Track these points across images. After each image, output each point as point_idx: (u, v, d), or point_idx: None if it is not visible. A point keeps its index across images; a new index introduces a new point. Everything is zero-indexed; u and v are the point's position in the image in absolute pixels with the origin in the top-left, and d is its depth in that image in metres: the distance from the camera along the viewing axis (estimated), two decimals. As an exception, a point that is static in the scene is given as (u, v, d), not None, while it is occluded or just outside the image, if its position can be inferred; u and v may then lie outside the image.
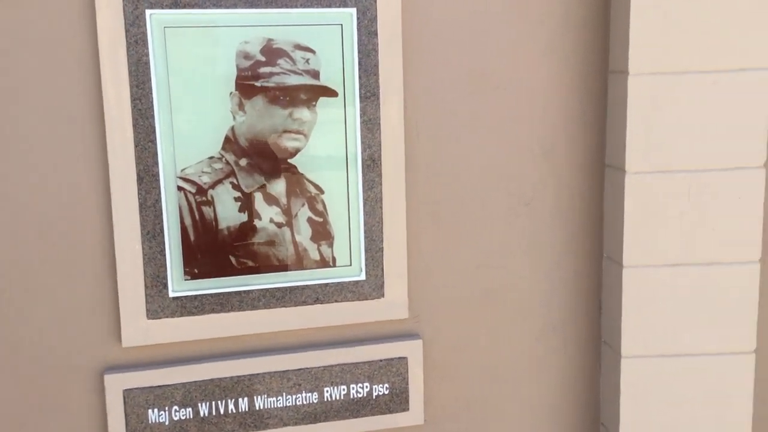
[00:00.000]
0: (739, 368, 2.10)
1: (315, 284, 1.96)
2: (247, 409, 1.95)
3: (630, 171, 2.02)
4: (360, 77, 1.91)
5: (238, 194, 1.88)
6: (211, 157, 1.86)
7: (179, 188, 1.85)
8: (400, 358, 2.03)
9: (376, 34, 1.91)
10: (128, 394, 1.87)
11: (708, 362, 2.09)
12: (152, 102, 1.81)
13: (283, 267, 1.93)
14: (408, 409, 2.07)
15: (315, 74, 1.89)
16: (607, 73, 2.07)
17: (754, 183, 2.02)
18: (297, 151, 1.90)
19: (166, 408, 1.91)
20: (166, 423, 1.89)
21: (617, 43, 2.02)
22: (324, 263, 1.96)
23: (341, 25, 1.88)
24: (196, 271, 1.88)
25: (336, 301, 1.98)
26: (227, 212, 1.88)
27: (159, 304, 1.88)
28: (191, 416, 1.91)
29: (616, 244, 2.08)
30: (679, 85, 1.97)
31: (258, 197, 1.90)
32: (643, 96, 1.98)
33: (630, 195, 2.03)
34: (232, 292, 1.91)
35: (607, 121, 2.08)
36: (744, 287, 2.07)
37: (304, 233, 1.94)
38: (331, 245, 1.96)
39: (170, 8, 1.79)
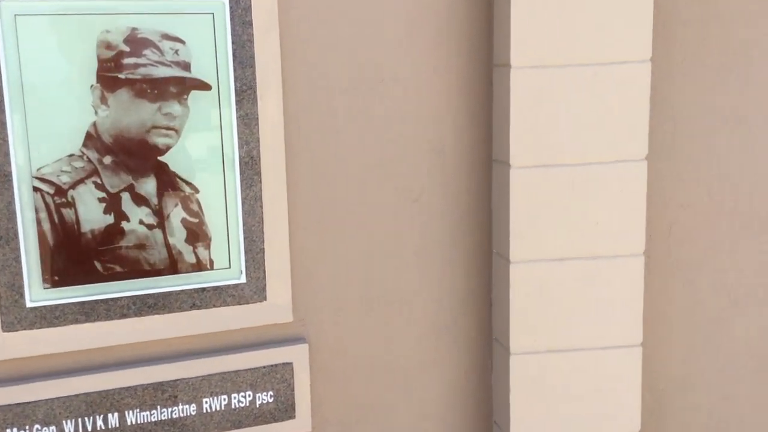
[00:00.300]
0: (626, 361, 1.86)
1: (191, 289, 1.63)
2: (117, 425, 1.61)
3: (514, 165, 1.76)
4: (235, 70, 1.59)
5: (102, 195, 1.53)
6: (71, 155, 1.50)
7: (35, 189, 1.49)
8: (284, 363, 1.71)
9: (251, 24, 1.61)
10: (-13, 414, 1.53)
11: (596, 356, 1.85)
12: (2, 97, 1.48)
13: (155, 272, 1.59)
14: (294, 417, 1.74)
15: (185, 66, 1.58)
16: (492, 67, 1.83)
17: (636, 176, 1.79)
18: (168, 147, 1.57)
19: (27, 427, 1.55)
20: (31, 443, 1.56)
21: (500, 36, 1.77)
22: (201, 266, 1.62)
23: (213, 14, 1.57)
24: (56, 278, 1.52)
25: (214, 306, 1.64)
26: (91, 214, 1.53)
27: (15, 315, 1.52)
28: (59, 435, 1.57)
29: (503, 239, 1.82)
30: (561, 78, 1.73)
31: (125, 198, 1.56)
32: (526, 89, 1.73)
33: (515, 190, 1.78)
34: (98, 300, 1.55)
35: (493, 115, 1.84)
36: (629, 280, 1.83)
37: (178, 235, 1.61)
38: (208, 247, 1.63)
39: (22, -7, 1.47)
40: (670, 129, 1.87)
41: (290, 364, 1.73)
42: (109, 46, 1.51)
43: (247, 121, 1.62)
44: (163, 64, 1.54)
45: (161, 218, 1.58)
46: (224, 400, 1.67)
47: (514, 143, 1.75)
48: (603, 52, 1.72)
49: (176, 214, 1.60)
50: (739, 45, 1.83)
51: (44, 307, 1.52)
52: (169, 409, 1.62)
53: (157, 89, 1.54)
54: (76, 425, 1.57)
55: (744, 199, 1.89)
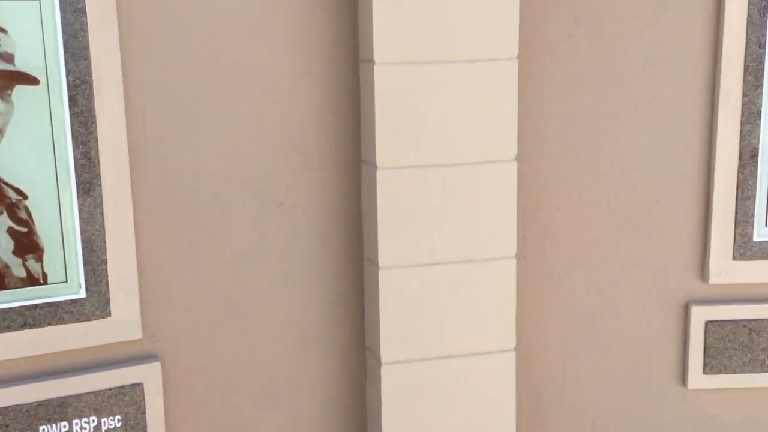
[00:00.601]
0: (500, 367, 1.71)
1: (22, 306, 1.34)
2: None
3: (381, 166, 1.60)
4: (66, 62, 1.31)
5: None
6: None
7: None
8: (133, 384, 1.44)
9: (84, 12, 1.31)
10: None
11: (470, 363, 1.67)
12: None
13: (-24, 288, 1.38)
14: (147, 441, 1.56)
15: (9, 58, 1.29)
16: (359, 63, 1.68)
17: (507, 177, 1.66)
18: (-12, 148, 1.36)
19: None
20: None
21: (364, 30, 1.60)
22: (32, 281, 1.35)
23: (39, 0, 1.38)
24: None
25: (50, 324, 1.36)
26: None
27: None
28: None
29: (372, 244, 1.67)
30: (427, 75, 1.54)
31: (-63, 205, 1.34)
32: (391, 87, 1.53)
33: (382, 192, 1.59)
34: None
35: (361, 114, 1.69)
36: (501, 284, 1.68)
37: (4, 246, 1.32)
38: (39, 259, 1.35)
39: None
40: (541, 128, 1.74)
41: (140, 384, 1.45)
42: None
43: (83, 118, 1.34)
44: (-21, 54, 1.33)
45: (-18, 228, 1.36)
46: (64, 427, 1.43)
47: (380, 143, 1.57)
48: (470, 49, 1.55)
49: (2, 223, 1.37)
50: (607, 42, 1.70)
51: None
52: (-4, 442, 1.40)
53: (-27, 83, 1.32)
54: None
55: (615, 197, 1.78)
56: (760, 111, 1.66)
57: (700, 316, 1.75)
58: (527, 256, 1.73)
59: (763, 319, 1.75)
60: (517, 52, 1.53)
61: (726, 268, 1.73)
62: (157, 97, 1.43)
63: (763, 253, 1.72)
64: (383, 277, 1.56)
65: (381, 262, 1.55)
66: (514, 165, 1.57)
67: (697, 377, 1.77)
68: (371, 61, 1.49)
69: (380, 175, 1.52)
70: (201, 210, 1.50)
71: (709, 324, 1.75)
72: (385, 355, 1.58)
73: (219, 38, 1.47)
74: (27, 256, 1.33)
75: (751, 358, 1.76)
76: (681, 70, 1.67)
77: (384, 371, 1.59)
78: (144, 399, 1.45)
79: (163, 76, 1.43)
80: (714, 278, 1.73)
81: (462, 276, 1.59)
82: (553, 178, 1.70)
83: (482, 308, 1.62)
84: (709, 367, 1.76)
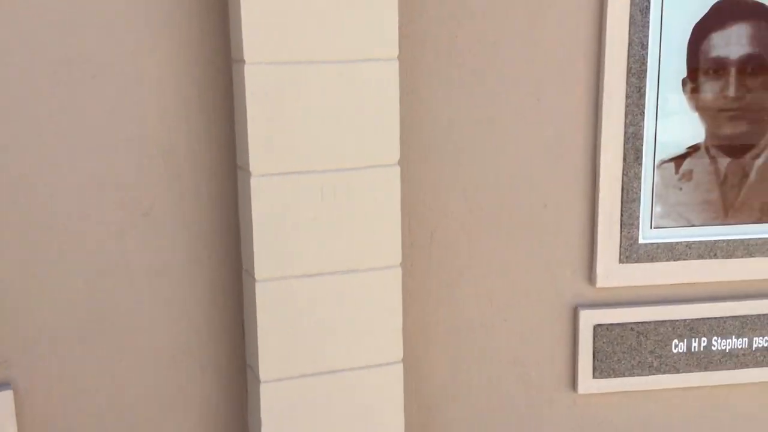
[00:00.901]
0: (387, 380, 1.59)
1: None
2: None
3: (255, 173, 1.47)
4: None
5: None
6: None
7: None
8: None
9: None
10: None
11: (355, 377, 1.56)
12: None
13: None
14: (-3, 479, 1.38)
15: None
16: (231, 63, 1.53)
17: (389, 182, 1.54)
18: None
19: None
20: None
21: (235, 27, 1.45)
22: None
23: None
24: None
25: None
26: None
27: None
28: None
29: (249, 255, 1.53)
30: (303, 76, 1.41)
31: None
32: (263, 88, 1.39)
33: (257, 200, 1.46)
34: None
35: (235, 117, 1.54)
36: (387, 294, 1.57)
37: None
38: None
39: None
40: (425, 131, 1.63)
41: (-14, 417, 1.34)
42: None
43: None
44: None
45: None
46: None
47: (254, 148, 1.42)
48: (347, 49, 1.43)
49: None
50: (491, 43, 1.61)
51: None
52: None
53: None
54: None
55: (502, 202, 1.69)
56: (644, 113, 1.60)
57: (588, 320, 1.69)
58: (414, 264, 1.63)
59: (650, 322, 1.70)
60: (397, 53, 1.43)
61: (613, 272, 1.67)
62: (1, 98, 1.24)
63: (648, 256, 1.66)
64: (260, 289, 1.43)
65: (257, 273, 1.42)
66: (397, 169, 1.47)
67: (586, 382, 1.71)
68: (241, 61, 1.35)
69: (254, 182, 1.39)
70: (55, 223, 1.34)
71: (597, 328, 1.68)
72: (263, 372, 1.45)
73: (73, 37, 1.31)
74: None
75: (639, 361, 1.70)
76: (565, 71, 1.60)
77: (263, 389, 1.45)
78: (-10, 433, 1.27)
79: (8, 76, 1.25)
80: (601, 282, 1.67)
81: (345, 287, 1.48)
82: (440, 183, 1.61)
83: (367, 320, 1.51)
84: (598, 372, 1.70)
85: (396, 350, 1.55)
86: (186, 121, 1.44)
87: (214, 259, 1.51)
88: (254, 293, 1.44)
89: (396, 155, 1.47)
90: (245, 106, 1.37)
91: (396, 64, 1.43)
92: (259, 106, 1.36)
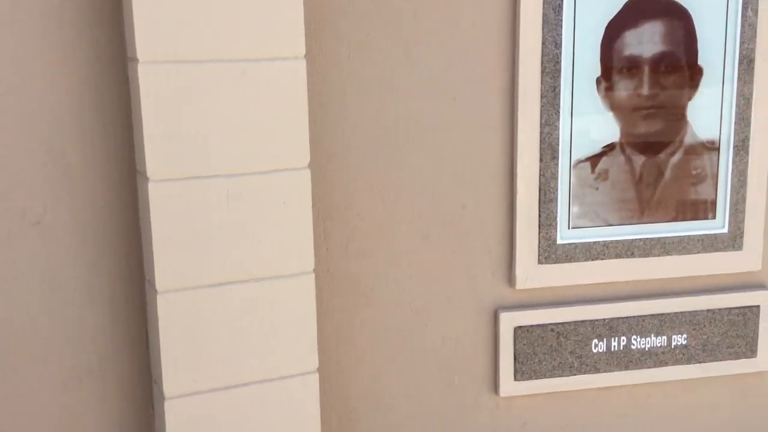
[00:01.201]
0: (302, 391, 1.49)
1: None
2: None
3: (153, 178, 1.34)
4: None
5: None
6: None
7: None
8: None
9: None
10: None
11: (268, 389, 1.46)
12: None
13: None
14: None
15: None
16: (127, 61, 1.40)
17: (299, 186, 1.44)
18: None
19: None
20: None
21: (128, 23, 1.32)
22: None
23: None
24: None
25: None
26: None
27: None
28: None
29: (151, 265, 1.40)
30: (202, 75, 1.30)
31: None
32: (159, 88, 1.27)
33: (156, 206, 1.34)
34: None
35: (133, 118, 1.40)
36: (300, 302, 1.47)
37: None
38: None
39: None
40: (338, 133, 1.53)
41: None
42: None
43: None
44: None
45: None
46: None
47: (151, 151, 1.31)
48: (250, 47, 1.32)
49: None
50: (404, 42, 1.52)
51: None
52: None
53: None
54: None
55: (420, 204, 1.60)
56: (559, 112, 1.55)
57: (508, 322, 1.62)
58: (331, 270, 1.53)
59: (569, 322, 1.64)
60: (303, 51, 1.33)
61: (532, 273, 1.60)
62: None
63: (567, 256, 1.60)
64: (162, 301, 1.31)
65: (159, 284, 1.30)
66: (307, 173, 1.37)
67: (508, 384, 1.64)
68: (135, 59, 1.23)
69: (153, 188, 1.27)
70: (-69, 235, 1.18)
71: (517, 330, 1.62)
72: (168, 388, 1.34)
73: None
74: None
75: (560, 362, 1.64)
76: (480, 70, 1.54)
77: (168, 406, 1.34)
78: None
79: None
80: (521, 283, 1.60)
81: (255, 296, 1.38)
82: (354, 186, 1.53)
83: (280, 329, 1.41)
84: (519, 374, 1.63)
85: (311, 360, 1.45)
86: (79, 124, 1.32)
87: (115, 270, 1.39)
88: (156, 305, 1.31)
89: (306, 158, 1.37)
90: (140, 108, 1.25)
91: (303, 63, 1.34)
92: (155, 107, 1.26)
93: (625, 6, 1.56)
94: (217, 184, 1.33)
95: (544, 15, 1.52)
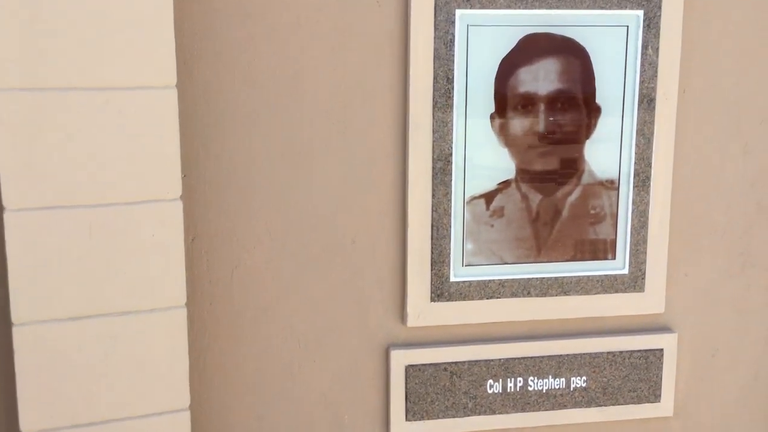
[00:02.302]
0: (172, 429, 1.46)
1: None
2: None
3: (9, 207, 1.30)
4: None
5: None
6: None
7: None
8: None
9: None
10: None
11: (135, 427, 1.42)
12: None
13: None
14: None
15: None
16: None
17: (171, 218, 1.40)
18: None
19: None
20: None
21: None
22: None
23: None
24: None
25: None
26: None
27: None
28: None
29: (7, 297, 1.36)
30: (60, 103, 1.26)
31: None
32: (14, 117, 1.27)
33: (13, 237, 1.30)
34: None
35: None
36: (169, 337, 1.42)
37: None
38: None
39: None
40: (224, 163, 1.48)
41: None
42: None
43: None
44: None
45: None
46: None
47: (7, 180, 1.28)
48: (114, 75, 1.27)
49: None
50: (292, 70, 1.46)
51: None
52: None
53: None
54: None
55: (308, 237, 1.55)
56: (452, 147, 1.51)
57: (399, 360, 1.58)
58: (214, 303, 1.49)
59: (464, 362, 1.60)
60: (174, 80, 1.30)
61: (424, 310, 1.56)
62: None
63: (461, 294, 1.56)
64: (18, 335, 1.26)
65: (15, 317, 1.27)
66: (179, 204, 1.33)
67: (399, 425, 1.61)
68: None
69: (9, 218, 1.23)
70: None
71: (409, 368, 1.58)
72: (25, 424, 1.28)
73: None
74: None
75: (453, 402, 1.60)
76: (372, 102, 1.52)
77: (23, 443, 1.28)
78: None
79: None
80: (413, 321, 1.56)
81: (120, 330, 1.34)
82: (239, 218, 1.49)
83: (148, 365, 1.37)
84: (411, 414, 1.59)
85: (182, 397, 1.40)
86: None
87: (-21, 299, 1.34)
88: (11, 338, 1.27)
89: (177, 190, 1.33)
90: (-5, 135, 1.21)
91: (174, 92, 1.30)
92: (10, 134, 1.21)
93: (520, 42, 1.53)
94: (78, 215, 1.29)
95: (436, 50, 1.49)
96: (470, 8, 1.49)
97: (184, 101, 1.42)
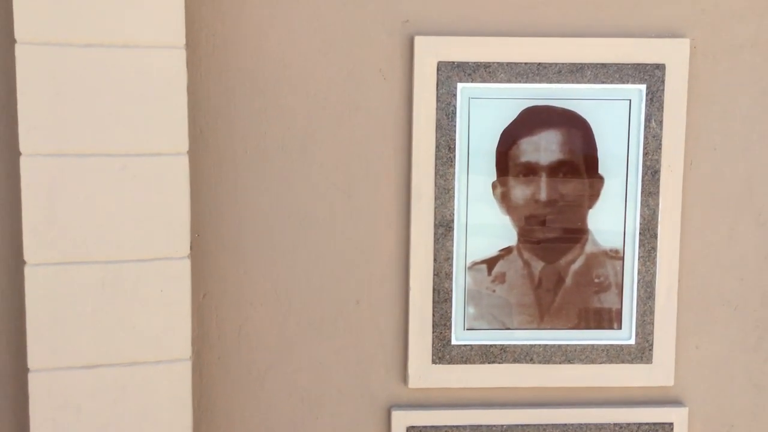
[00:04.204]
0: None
1: None
2: None
3: (30, 262, 1.41)
4: None
5: None
6: None
7: None
8: None
9: None
10: None
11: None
12: None
13: None
14: None
15: None
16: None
17: (179, 275, 1.48)
18: None
19: None
20: None
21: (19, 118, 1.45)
22: None
23: None
24: None
25: None
26: None
27: None
28: None
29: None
30: (82, 167, 1.37)
31: None
32: (40, 179, 1.39)
33: (32, 289, 1.40)
34: None
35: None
36: (175, 389, 1.47)
37: None
38: None
39: None
40: (235, 225, 1.57)
41: None
42: None
43: None
44: None
45: None
46: None
47: (28, 237, 1.38)
48: (131, 142, 1.39)
49: None
50: (301, 140, 1.54)
51: None
52: None
53: None
54: None
55: (313, 296, 1.59)
56: (453, 215, 1.56)
57: (400, 421, 1.61)
58: (222, 357, 1.56)
59: (465, 426, 1.62)
60: (186, 148, 1.41)
61: (426, 373, 1.60)
62: None
63: (462, 358, 1.58)
64: (33, 380, 1.36)
65: (31, 363, 1.35)
66: (187, 262, 1.42)
67: None
68: (18, 152, 1.31)
69: (29, 271, 1.35)
70: None
71: (410, 429, 1.60)
72: (34, 467, 1.36)
73: None
74: None
75: (453, 466, 1.59)
76: (375, 168, 1.59)
77: (32, 485, 1.36)
78: None
79: None
80: (414, 382, 1.59)
81: (128, 380, 1.40)
82: (248, 276, 1.56)
83: (154, 414, 1.43)
84: (411, 476, 1.59)
85: (185, 447, 1.46)
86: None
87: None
88: (27, 384, 1.37)
89: (186, 249, 1.42)
90: (19, 196, 1.33)
91: (185, 159, 1.41)
92: (33, 195, 1.33)
93: (521, 114, 1.58)
94: (92, 270, 1.40)
95: (438, 120, 1.56)
96: (472, 82, 1.56)
97: (199, 167, 1.53)
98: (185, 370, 1.47)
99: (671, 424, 1.67)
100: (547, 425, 1.65)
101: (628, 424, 1.67)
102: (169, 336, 1.45)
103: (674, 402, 1.69)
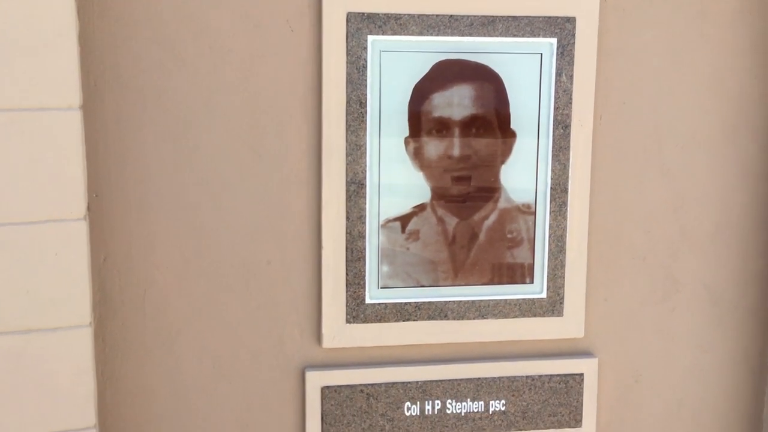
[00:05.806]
0: (76, 449, 1.49)
1: None
2: None
3: None
4: None
5: None
6: None
7: None
8: None
9: None
10: None
11: (37, 446, 1.46)
12: None
13: None
14: None
15: None
16: None
17: (75, 237, 1.41)
18: None
19: None
20: None
21: None
22: None
23: None
24: None
25: None
26: None
27: None
28: None
29: None
30: None
31: None
32: None
33: None
34: None
35: None
36: (75, 356, 1.42)
37: None
38: None
39: None
40: (135, 184, 1.48)
41: None
42: None
43: None
44: None
45: None
46: None
47: None
48: (18, 97, 1.34)
49: None
50: (205, 93, 1.47)
51: None
52: None
53: None
54: None
55: (222, 258, 1.53)
56: (365, 170, 1.53)
57: (315, 381, 1.59)
58: (126, 323, 1.50)
59: (380, 384, 1.61)
60: (79, 102, 1.33)
61: (340, 332, 1.57)
62: None
63: (377, 316, 1.57)
64: None
65: None
66: (83, 224, 1.34)
67: None
68: None
69: None
70: None
71: (325, 390, 1.58)
72: None
73: None
74: None
75: (370, 424, 1.60)
76: (285, 125, 1.54)
77: None
78: None
79: None
80: (328, 342, 1.57)
81: (23, 348, 1.33)
82: (151, 239, 1.49)
83: (52, 383, 1.36)
84: (327, 436, 1.57)
85: (87, 416, 1.40)
86: None
87: None
88: None
89: (82, 210, 1.35)
90: None
91: (78, 114, 1.32)
92: None
93: (433, 68, 1.56)
94: (-21, 234, 1.32)
95: (348, 74, 1.51)
96: (382, 35, 1.52)
97: (94, 123, 1.44)
98: (85, 336, 1.40)
99: (581, 374, 1.71)
100: (461, 380, 1.66)
101: (540, 376, 1.70)
102: (66, 301, 1.37)
103: (584, 353, 1.73)
